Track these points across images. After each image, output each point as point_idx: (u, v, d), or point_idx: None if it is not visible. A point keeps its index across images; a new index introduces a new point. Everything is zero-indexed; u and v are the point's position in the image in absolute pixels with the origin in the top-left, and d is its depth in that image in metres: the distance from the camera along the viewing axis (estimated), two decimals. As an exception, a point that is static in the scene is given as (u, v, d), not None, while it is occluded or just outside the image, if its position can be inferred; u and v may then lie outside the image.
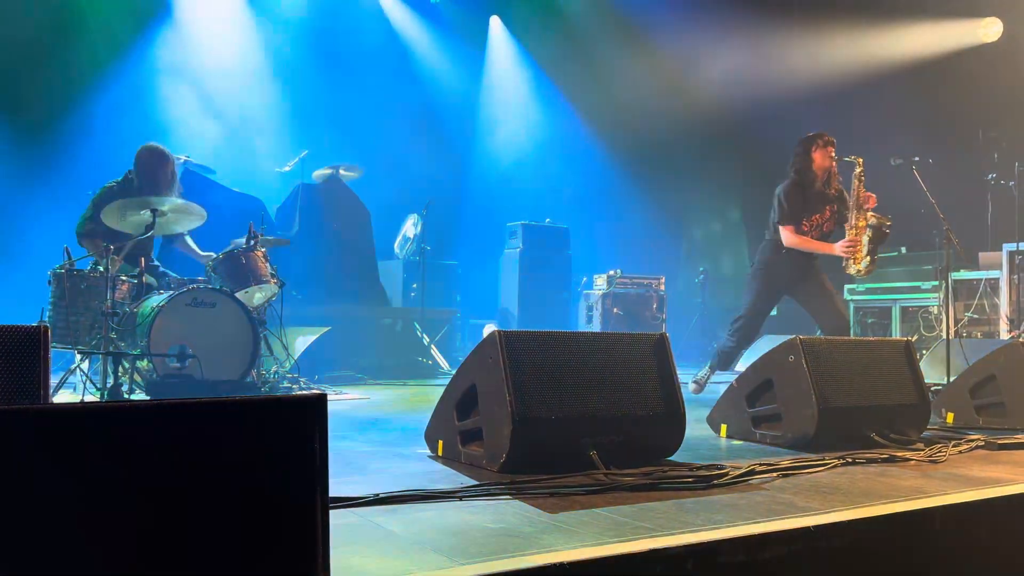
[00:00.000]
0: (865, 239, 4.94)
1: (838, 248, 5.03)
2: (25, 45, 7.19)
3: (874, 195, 5.05)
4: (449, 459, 3.04)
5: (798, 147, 5.22)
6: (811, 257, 5.17)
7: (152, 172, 5.20)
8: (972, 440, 3.61)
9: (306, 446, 1.47)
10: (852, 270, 5.04)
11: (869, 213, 4.95)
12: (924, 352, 6.18)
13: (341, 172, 7.72)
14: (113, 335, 4.38)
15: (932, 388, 4.56)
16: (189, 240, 5.50)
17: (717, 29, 10.13)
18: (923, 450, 3.36)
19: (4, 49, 7.03)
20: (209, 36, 8.37)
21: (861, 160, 5.03)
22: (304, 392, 5.13)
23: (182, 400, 1.42)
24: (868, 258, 4.96)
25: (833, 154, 5.12)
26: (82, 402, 4.22)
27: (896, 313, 8.11)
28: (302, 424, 1.47)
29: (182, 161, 5.95)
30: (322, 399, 1.50)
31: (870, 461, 3.16)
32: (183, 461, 1.38)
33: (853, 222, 5.00)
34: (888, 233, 4.95)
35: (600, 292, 8.62)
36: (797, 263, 5.16)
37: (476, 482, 2.58)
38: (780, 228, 5.15)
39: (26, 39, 7.19)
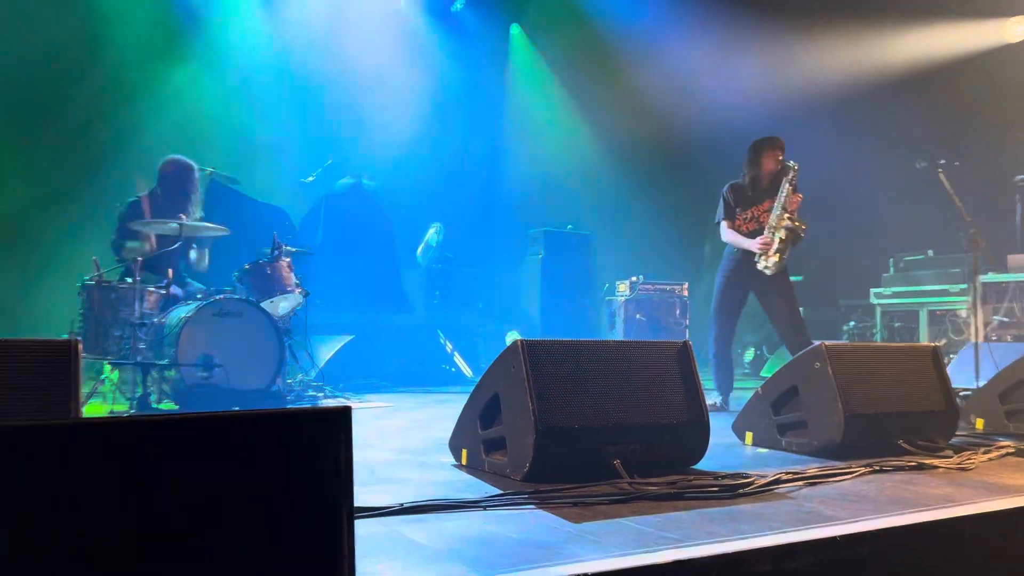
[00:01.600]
0: (778, 238, 5.28)
1: (754, 244, 5.37)
2: (53, 60, 7.32)
3: (800, 196, 5.40)
4: (473, 468, 3.06)
5: (750, 149, 5.63)
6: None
7: (178, 185, 5.28)
8: (1002, 447, 3.56)
9: (331, 457, 1.49)
10: (761, 265, 5.35)
11: (786, 215, 5.28)
12: (952, 356, 6.10)
13: (364, 181, 7.78)
14: (142, 345, 4.44)
15: (961, 393, 4.49)
16: None
17: (737, 34, 10.08)
18: (952, 457, 3.32)
19: (32, 64, 7.16)
20: (234, 49, 8.48)
21: (797, 166, 5.36)
22: (329, 404, 5.18)
23: (210, 413, 1.44)
24: (777, 256, 5.29)
25: (780, 157, 5.48)
26: (111, 414, 4.30)
27: (924, 317, 8.01)
28: (327, 436, 1.49)
29: (208, 173, 6.03)
30: (346, 411, 1.51)
31: (898, 469, 3.13)
32: (210, 472, 1.40)
33: (773, 222, 5.34)
34: (803, 237, 5.32)
35: (623, 298, 8.59)
36: (751, 261, 5.40)
37: (500, 491, 2.59)
38: (720, 224, 5.58)
39: (54, 55, 7.32)
